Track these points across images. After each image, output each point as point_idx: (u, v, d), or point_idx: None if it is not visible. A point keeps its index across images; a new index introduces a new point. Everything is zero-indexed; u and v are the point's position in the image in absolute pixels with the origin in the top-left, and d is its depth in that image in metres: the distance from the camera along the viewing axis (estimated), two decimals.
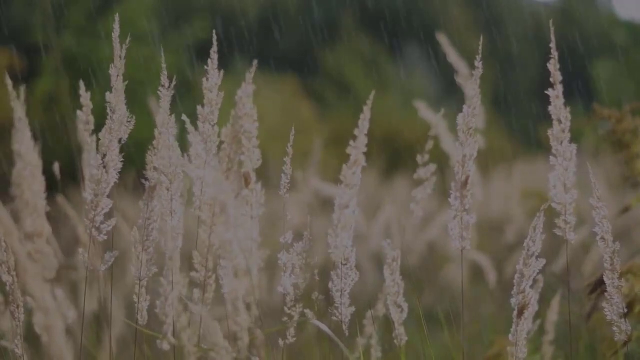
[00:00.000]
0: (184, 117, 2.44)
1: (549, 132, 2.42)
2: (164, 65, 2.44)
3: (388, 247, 2.57)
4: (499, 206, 6.60)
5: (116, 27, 2.42)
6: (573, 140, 2.45)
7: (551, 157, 2.42)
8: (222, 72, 2.48)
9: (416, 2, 24.20)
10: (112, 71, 2.40)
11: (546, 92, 2.42)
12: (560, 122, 2.43)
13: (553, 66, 2.42)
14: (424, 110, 4.17)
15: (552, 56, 2.41)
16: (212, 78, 2.47)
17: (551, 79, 2.42)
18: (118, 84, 2.41)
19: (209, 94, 2.47)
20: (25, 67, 10.88)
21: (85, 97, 2.67)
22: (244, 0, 23.31)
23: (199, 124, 2.47)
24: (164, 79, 2.42)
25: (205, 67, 2.46)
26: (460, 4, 25.56)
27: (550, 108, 2.42)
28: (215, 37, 2.47)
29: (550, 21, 2.47)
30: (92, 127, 2.74)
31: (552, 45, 2.42)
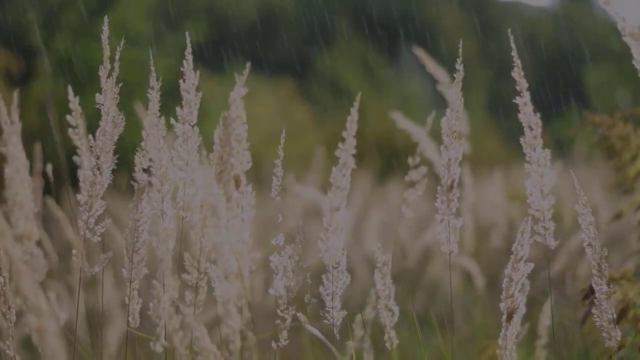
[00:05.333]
0: (172, 121, 2.44)
1: (521, 139, 2.42)
2: (152, 67, 2.44)
3: (378, 251, 2.57)
4: (493, 210, 6.60)
5: (105, 28, 2.42)
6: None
7: (525, 164, 2.42)
8: (197, 72, 2.47)
9: (412, 6, 24.22)
10: (102, 72, 2.41)
11: (514, 100, 2.42)
12: (531, 128, 2.43)
13: (518, 74, 2.41)
14: (401, 120, 4.14)
15: (514, 64, 2.41)
16: (189, 79, 2.46)
17: (517, 87, 2.42)
18: (108, 85, 2.41)
19: (186, 95, 2.46)
20: (22, 68, 10.88)
21: (73, 101, 2.67)
22: (240, 3, 23.32)
23: (179, 125, 2.46)
24: (152, 81, 2.42)
25: (181, 68, 2.46)
26: (455, 9, 25.58)
27: (520, 115, 2.42)
28: (188, 39, 2.46)
29: (509, 30, 2.47)
30: (81, 130, 2.73)
31: (514, 53, 2.41)
